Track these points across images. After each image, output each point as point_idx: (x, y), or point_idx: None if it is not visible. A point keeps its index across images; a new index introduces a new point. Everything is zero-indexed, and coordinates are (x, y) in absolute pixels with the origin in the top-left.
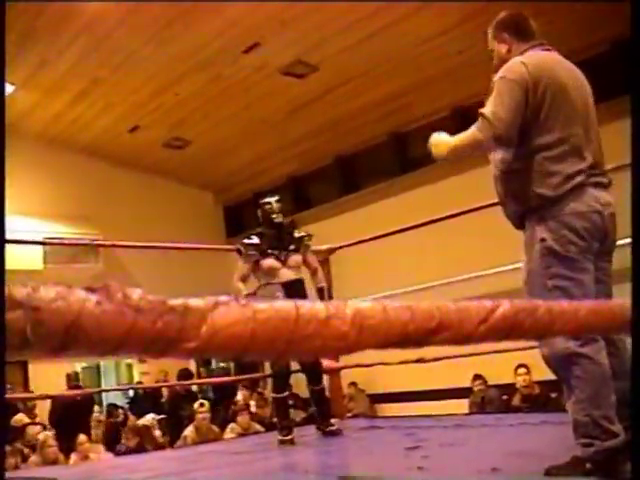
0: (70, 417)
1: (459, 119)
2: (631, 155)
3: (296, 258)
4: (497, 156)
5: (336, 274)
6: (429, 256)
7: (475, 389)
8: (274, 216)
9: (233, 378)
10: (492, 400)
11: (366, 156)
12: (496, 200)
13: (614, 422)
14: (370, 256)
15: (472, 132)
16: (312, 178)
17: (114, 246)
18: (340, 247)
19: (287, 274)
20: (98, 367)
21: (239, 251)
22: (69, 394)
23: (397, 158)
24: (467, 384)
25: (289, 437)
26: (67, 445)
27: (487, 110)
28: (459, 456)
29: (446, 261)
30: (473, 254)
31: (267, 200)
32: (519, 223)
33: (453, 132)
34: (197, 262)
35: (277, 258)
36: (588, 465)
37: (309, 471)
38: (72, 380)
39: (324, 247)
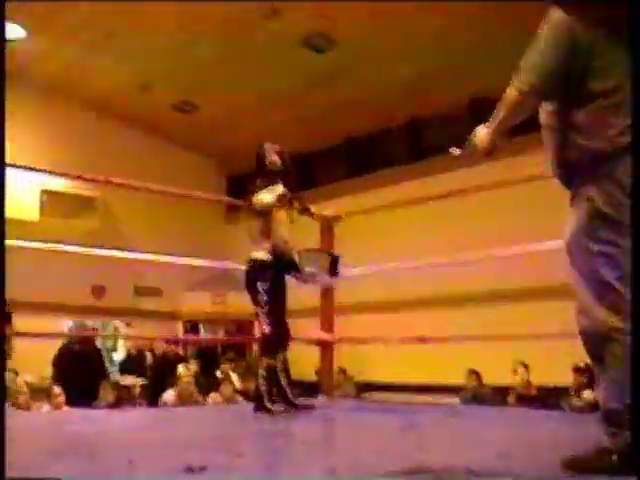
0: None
1: (477, 110)
2: (631, 154)
3: None
4: (547, 107)
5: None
6: (436, 238)
7: (468, 385)
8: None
9: (222, 338)
10: (484, 398)
11: (378, 139)
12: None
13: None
14: (376, 234)
15: (505, 96)
16: (320, 157)
17: (107, 182)
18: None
19: None
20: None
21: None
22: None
23: (410, 145)
24: (460, 381)
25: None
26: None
27: (523, 61)
28: (459, 441)
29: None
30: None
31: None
32: (568, 181)
33: (469, 123)
34: (194, 225)
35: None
36: (614, 457)
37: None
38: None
39: (330, 212)
